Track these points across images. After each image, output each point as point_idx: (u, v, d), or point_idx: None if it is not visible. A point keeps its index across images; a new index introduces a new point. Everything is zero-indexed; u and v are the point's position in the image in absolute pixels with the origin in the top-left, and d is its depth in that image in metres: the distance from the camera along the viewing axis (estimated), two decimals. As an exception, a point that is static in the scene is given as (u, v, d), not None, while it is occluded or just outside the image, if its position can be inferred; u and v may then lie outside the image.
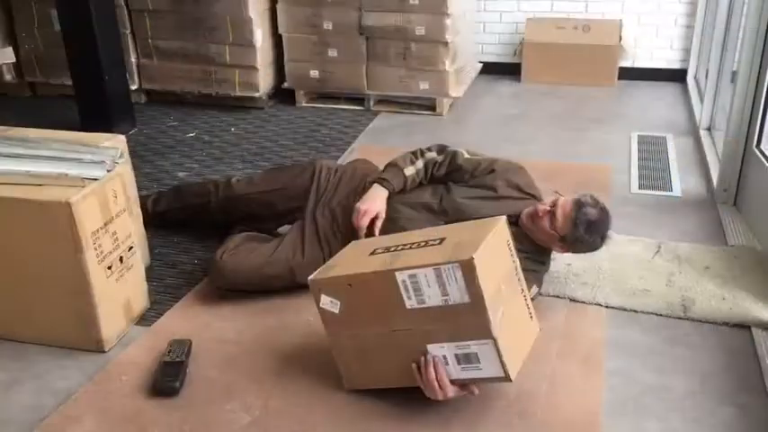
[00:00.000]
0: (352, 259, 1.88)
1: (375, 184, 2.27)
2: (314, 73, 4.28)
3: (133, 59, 4.30)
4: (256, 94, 4.26)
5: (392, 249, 1.79)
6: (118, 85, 3.83)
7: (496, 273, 1.69)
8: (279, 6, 4.20)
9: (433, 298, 1.65)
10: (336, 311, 1.79)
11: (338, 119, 4.15)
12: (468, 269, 1.58)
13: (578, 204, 2.09)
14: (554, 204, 2.12)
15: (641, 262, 2.52)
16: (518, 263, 1.81)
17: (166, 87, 4.37)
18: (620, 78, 4.64)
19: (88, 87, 3.75)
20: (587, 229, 2.08)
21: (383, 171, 2.33)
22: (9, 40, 4.40)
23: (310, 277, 1.83)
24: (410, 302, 1.68)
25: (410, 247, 1.76)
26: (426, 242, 1.75)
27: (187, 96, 4.35)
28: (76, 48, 3.68)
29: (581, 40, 4.59)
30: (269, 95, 4.37)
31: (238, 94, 4.27)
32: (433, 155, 2.33)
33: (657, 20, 4.58)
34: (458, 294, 1.61)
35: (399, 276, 1.66)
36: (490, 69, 4.86)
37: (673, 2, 4.51)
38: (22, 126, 2.41)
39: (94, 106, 3.78)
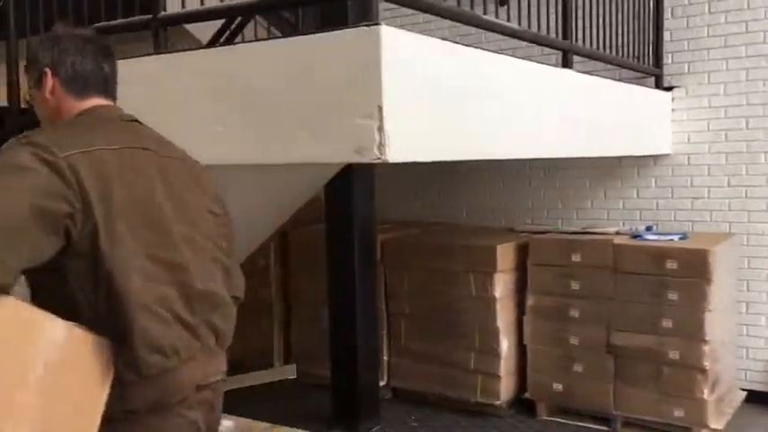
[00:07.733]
0: None
1: None
2: (557, 386, 4.21)
3: (385, 358, 4.61)
4: (497, 402, 4.25)
5: None
6: (370, 381, 4.10)
7: None
8: (525, 318, 4.34)
9: None
10: None
11: (581, 439, 3.94)
12: None
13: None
14: None
15: None
16: None
17: (411, 386, 4.55)
18: None
19: (343, 381, 4.05)
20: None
21: None
22: (284, 331, 5.03)
23: None
24: None
25: None
26: None
27: (429, 397, 4.47)
28: (339, 345, 4.08)
29: None
30: (509, 404, 4.34)
31: (479, 399, 4.30)
32: None
33: None
34: None
35: None
36: (756, 398, 4.39)
37: None
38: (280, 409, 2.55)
39: (346, 399, 4.04)
